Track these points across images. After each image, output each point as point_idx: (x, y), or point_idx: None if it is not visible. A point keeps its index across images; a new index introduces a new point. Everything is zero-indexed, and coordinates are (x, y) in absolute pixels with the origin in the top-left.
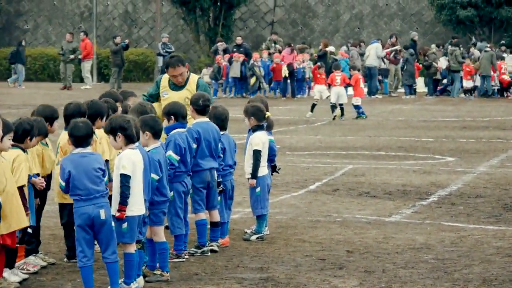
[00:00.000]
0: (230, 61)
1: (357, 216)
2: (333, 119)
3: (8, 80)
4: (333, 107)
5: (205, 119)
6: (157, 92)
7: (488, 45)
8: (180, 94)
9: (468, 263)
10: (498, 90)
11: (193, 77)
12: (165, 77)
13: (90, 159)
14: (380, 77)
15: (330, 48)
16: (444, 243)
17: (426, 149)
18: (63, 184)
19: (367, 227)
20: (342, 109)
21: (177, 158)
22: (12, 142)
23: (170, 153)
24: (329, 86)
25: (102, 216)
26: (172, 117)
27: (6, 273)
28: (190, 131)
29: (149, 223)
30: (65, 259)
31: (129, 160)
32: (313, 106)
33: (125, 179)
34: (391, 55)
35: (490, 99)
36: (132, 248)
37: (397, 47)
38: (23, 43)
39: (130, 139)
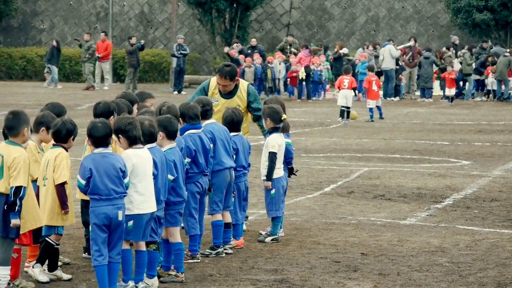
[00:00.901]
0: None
1: (372, 218)
2: (348, 120)
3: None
4: (343, 110)
5: (212, 120)
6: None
7: (508, 50)
8: (231, 102)
9: (483, 267)
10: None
11: (243, 84)
12: (213, 84)
13: (111, 159)
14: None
15: (344, 50)
16: (459, 247)
17: (441, 153)
18: (83, 182)
19: (382, 229)
20: (348, 112)
21: (187, 160)
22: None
23: None
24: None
25: (120, 218)
26: (180, 119)
27: (38, 269)
28: (204, 132)
29: (165, 223)
30: (86, 254)
31: (126, 162)
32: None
33: None
34: (409, 56)
35: (505, 102)
36: (126, 246)
37: (411, 43)
38: (54, 43)
39: (133, 141)
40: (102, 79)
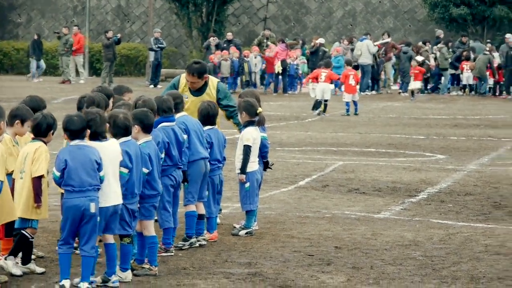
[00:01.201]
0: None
1: (346, 212)
2: (318, 114)
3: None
4: (319, 103)
5: (184, 113)
6: None
7: (487, 48)
8: (200, 99)
9: (457, 261)
10: (490, 89)
11: (213, 82)
12: (183, 81)
13: (87, 151)
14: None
15: (320, 40)
16: (433, 240)
17: (416, 147)
18: (58, 174)
19: (356, 223)
20: (325, 105)
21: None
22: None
23: None
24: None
25: (92, 210)
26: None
27: (10, 261)
28: (177, 124)
29: (139, 216)
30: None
31: None
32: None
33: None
34: (381, 50)
35: (481, 97)
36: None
37: (388, 40)
38: (35, 36)
39: (93, 135)
40: (77, 72)
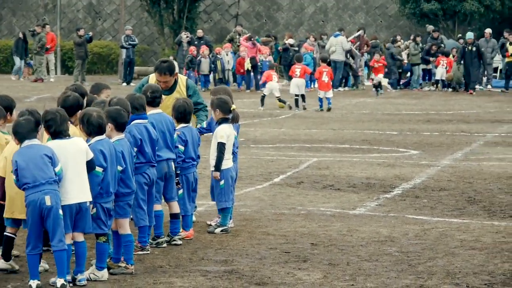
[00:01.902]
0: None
1: (322, 209)
2: (290, 108)
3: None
4: (296, 99)
5: (157, 110)
6: None
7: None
8: (171, 98)
9: (432, 256)
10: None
11: (182, 79)
12: (152, 79)
13: (37, 148)
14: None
15: (290, 41)
16: (408, 236)
17: (390, 142)
18: (14, 177)
19: (331, 220)
20: (296, 100)
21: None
22: None
23: None
24: (290, 78)
25: (48, 203)
26: None
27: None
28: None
29: (114, 215)
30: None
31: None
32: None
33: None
34: (356, 45)
35: (453, 92)
36: (69, 239)
37: (360, 32)
38: (20, 35)
39: (53, 134)
40: (48, 71)
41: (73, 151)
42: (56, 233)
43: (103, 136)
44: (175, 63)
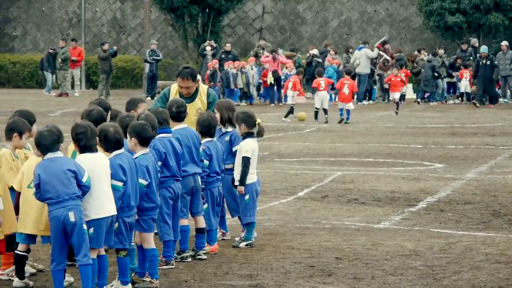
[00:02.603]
0: (220, 68)
1: (346, 223)
2: (326, 122)
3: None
4: (317, 112)
5: (183, 125)
6: (165, 105)
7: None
8: (192, 106)
9: (457, 270)
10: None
11: (203, 88)
12: (174, 89)
13: (60, 162)
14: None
15: (314, 51)
16: (433, 250)
17: (414, 156)
18: (35, 189)
19: (356, 233)
20: (316, 113)
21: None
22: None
23: None
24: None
25: (72, 219)
26: None
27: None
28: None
29: (139, 229)
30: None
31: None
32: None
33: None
34: (381, 59)
35: (496, 105)
36: (95, 254)
37: (385, 37)
38: (50, 50)
39: (82, 148)
40: (72, 85)
41: (103, 164)
42: (81, 248)
43: (122, 150)
44: (199, 76)
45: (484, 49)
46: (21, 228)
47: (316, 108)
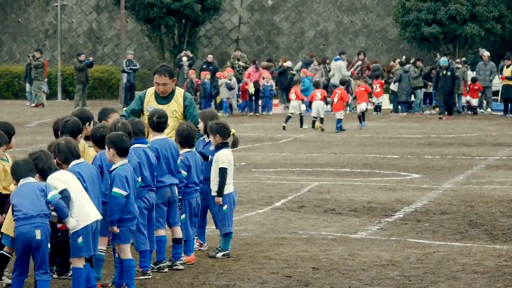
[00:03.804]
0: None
1: (323, 233)
2: (322, 130)
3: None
4: (314, 121)
5: (162, 135)
6: (140, 107)
7: (458, 60)
8: (168, 107)
9: (434, 280)
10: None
11: (179, 91)
12: (150, 92)
13: (30, 185)
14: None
15: (287, 63)
16: (410, 260)
17: (391, 166)
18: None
19: (333, 244)
20: (314, 122)
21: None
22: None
23: None
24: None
25: (38, 237)
26: None
27: None
28: (150, 147)
29: (116, 240)
30: (55, 275)
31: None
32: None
33: None
34: (356, 71)
35: (454, 115)
36: (81, 263)
37: (359, 63)
38: (29, 60)
39: (46, 171)
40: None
41: (74, 177)
42: (43, 265)
43: (81, 160)
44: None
45: (443, 61)
46: (9, 231)
47: (314, 117)
